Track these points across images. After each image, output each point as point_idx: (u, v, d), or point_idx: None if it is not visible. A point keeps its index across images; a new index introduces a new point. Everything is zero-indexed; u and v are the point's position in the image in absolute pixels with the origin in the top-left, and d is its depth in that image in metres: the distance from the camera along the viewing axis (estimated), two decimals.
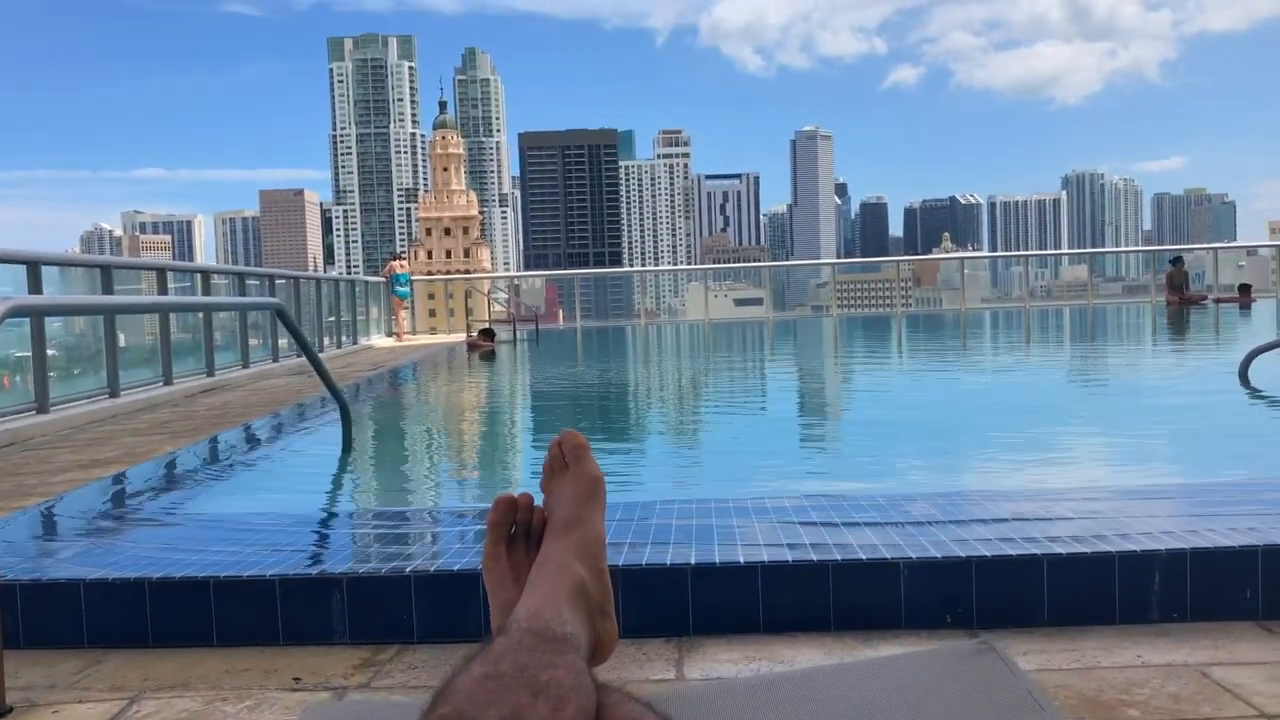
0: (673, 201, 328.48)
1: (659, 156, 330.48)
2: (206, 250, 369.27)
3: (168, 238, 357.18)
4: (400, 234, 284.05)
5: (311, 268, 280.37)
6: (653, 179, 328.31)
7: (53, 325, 7.63)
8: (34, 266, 7.17)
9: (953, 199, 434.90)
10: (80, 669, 2.32)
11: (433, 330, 23.35)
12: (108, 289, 8.29)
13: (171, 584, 2.51)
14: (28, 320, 6.41)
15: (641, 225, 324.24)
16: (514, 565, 1.22)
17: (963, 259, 26.67)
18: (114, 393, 8.03)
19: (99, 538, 3.23)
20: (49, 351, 7.32)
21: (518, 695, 0.83)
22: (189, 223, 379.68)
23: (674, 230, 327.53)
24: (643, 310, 27.71)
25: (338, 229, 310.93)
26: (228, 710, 2.06)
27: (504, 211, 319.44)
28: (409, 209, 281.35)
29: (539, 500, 1.25)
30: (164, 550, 2.94)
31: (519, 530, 1.25)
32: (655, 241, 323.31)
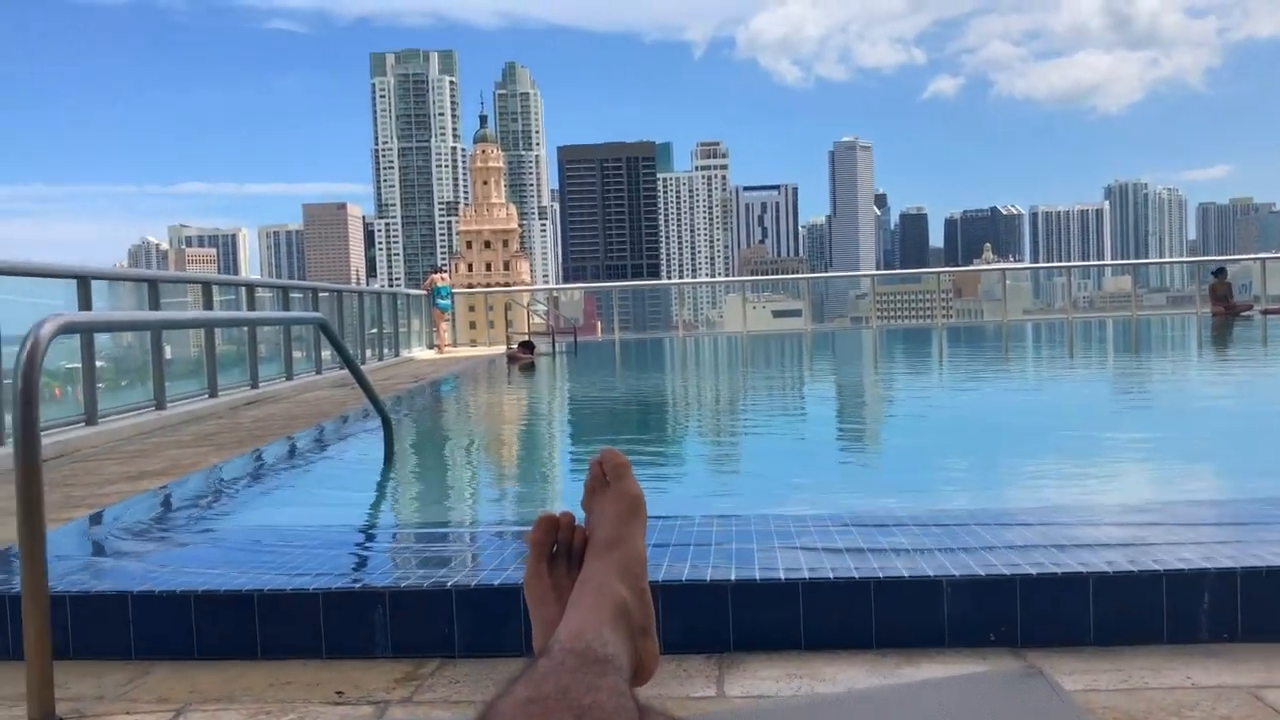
0: (711, 213, 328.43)
1: (697, 168, 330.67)
2: (251, 263, 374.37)
3: (213, 251, 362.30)
4: (441, 247, 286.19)
5: (354, 280, 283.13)
6: (691, 191, 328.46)
7: (101, 338, 7.75)
8: (84, 281, 7.30)
9: (994, 209, 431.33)
10: (128, 680, 2.35)
11: (473, 342, 23.49)
12: (155, 303, 8.42)
13: (216, 597, 2.54)
14: (77, 334, 6.53)
15: (680, 237, 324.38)
16: (556, 584, 1.22)
17: (1004, 270, 26.42)
18: (160, 405, 8.15)
19: (146, 550, 3.27)
20: (97, 363, 7.45)
21: (560, 718, 0.83)
22: (234, 236, 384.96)
23: (712, 242, 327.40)
24: (681, 322, 27.72)
25: (380, 242, 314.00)
26: None
27: (543, 224, 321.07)
28: (449, 222, 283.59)
29: (580, 518, 1.26)
30: (209, 563, 2.98)
31: (560, 549, 1.25)
32: (693, 253, 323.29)
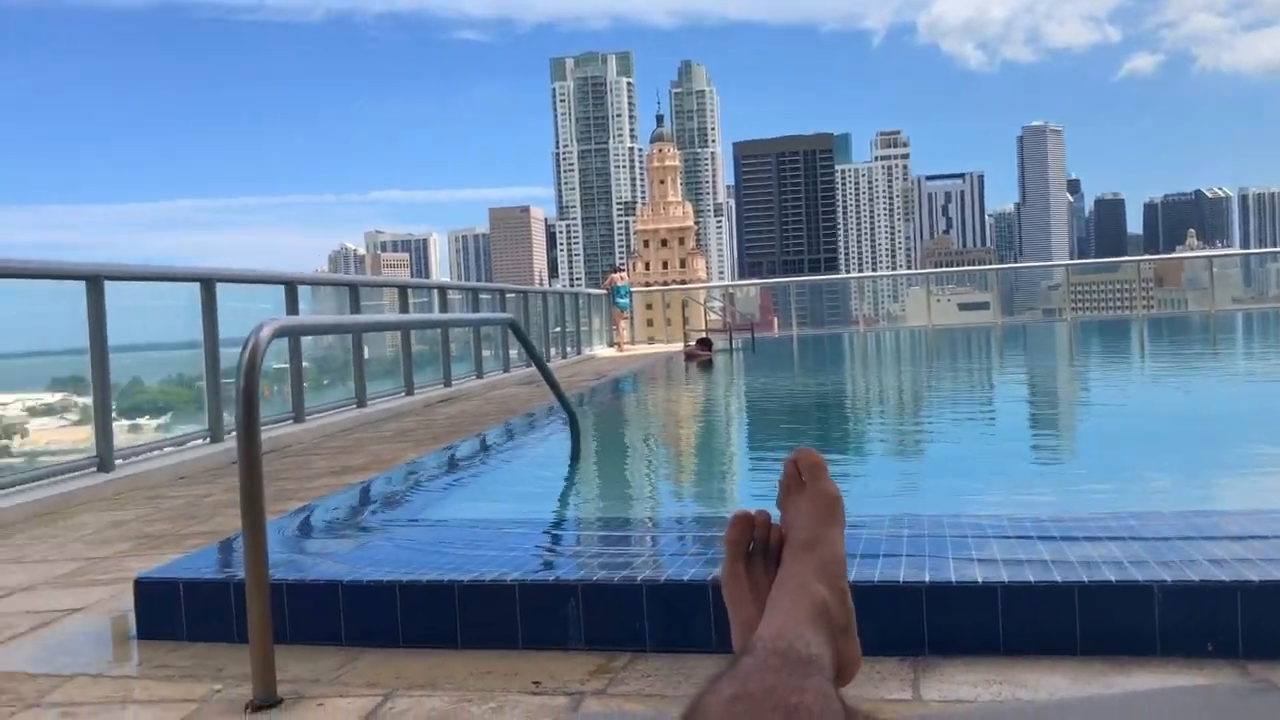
0: (891, 204, 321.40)
1: (877, 159, 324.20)
2: (441, 266, 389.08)
3: (406, 255, 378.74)
4: (619, 246, 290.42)
5: (537, 281, 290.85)
6: (870, 182, 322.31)
7: (305, 340, 8.23)
8: (291, 286, 7.77)
9: (1198, 192, 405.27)
10: (339, 665, 2.49)
11: (650, 340, 23.72)
12: (355, 306, 8.87)
13: (419, 587, 2.65)
14: (288, 337, 6.95)
15: (859, 230, 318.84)
16: (753, 583, 1.21)
17: (1211, 257, 24.80)
18: (361, 403, 8.58)
19: (352, 541, 3.45)
20: (303, 364, 7.91)
21: (769, 717, 0.83)
22: (425, 241, 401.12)
23: (893, 234, 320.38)
24: (861, 317, 27.22)
25: (561, 243, 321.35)
26: (473, 711, 2.15)
27: (719, 221, 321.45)
28: (627, 221, 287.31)
29: (775, 518, 1.25)
30: (410, 553, 3.11)
31: (757, 548, 1.25)
32: (873, 246, 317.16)
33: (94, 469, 5.42)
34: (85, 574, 3.57)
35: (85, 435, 6.14)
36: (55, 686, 2.44)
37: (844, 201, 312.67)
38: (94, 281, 5.50)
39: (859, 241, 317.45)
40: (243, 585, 2.36)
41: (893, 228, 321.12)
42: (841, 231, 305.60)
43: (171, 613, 2.79)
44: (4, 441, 9.44)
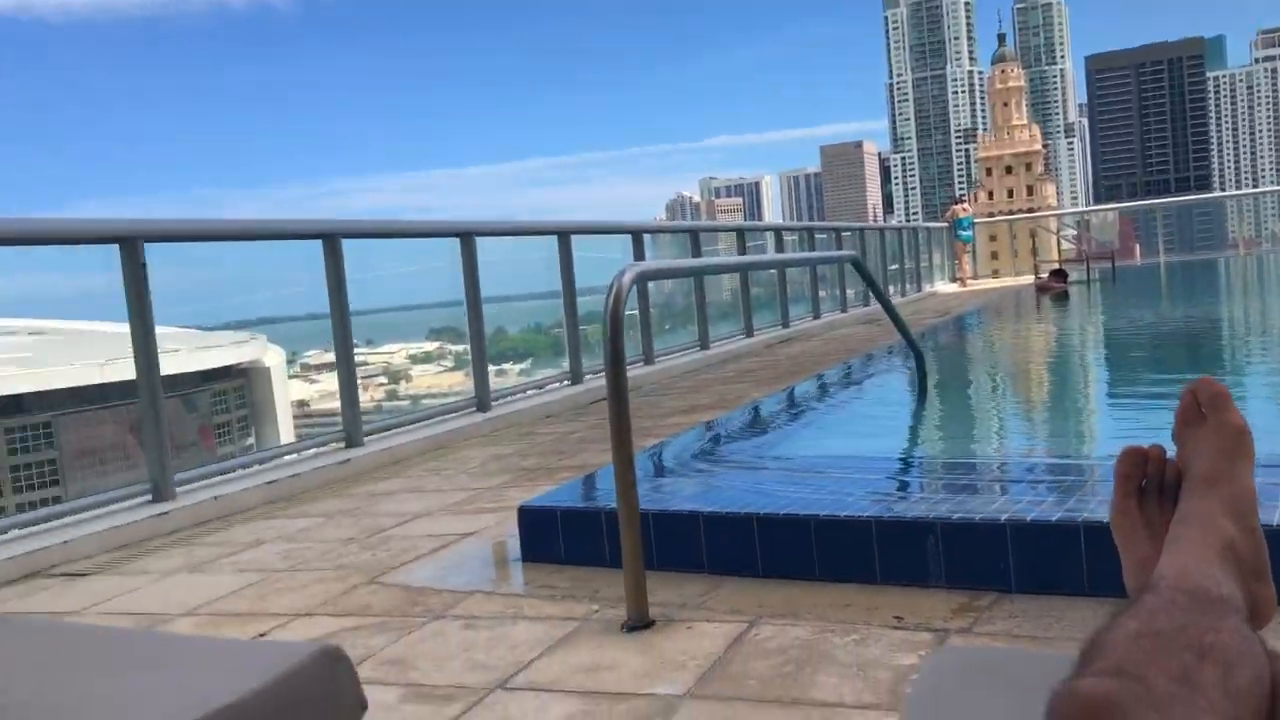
0: (1276, 112, 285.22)
1: (1257, 61, 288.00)
2: (773, 208, 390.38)
3: (739, 200, 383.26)
4: (959, 176, 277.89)
5: (871, 218, 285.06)
6: (1249, 88, 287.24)
7: (650, 286, 8.56)
8: (637, 235, 8.09)
9: None
10: (703, 592, 2.60)
11: (995, 273, 22.59)
12: (696, 251, 9.11)
13: (776, 520, 2.71)
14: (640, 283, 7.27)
15: (1235, 143, 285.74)
16: (1147, 521, 1.15)
17: None
18: (704, 345, 8.83)
19: (707, 475, 3.58)
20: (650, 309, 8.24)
21: (1181, 655, 0.79)
22: (757, 184, 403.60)
23: (1277, 146, 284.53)
24: (1240, 240, 24.55)
25: (895, 177, 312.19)
26: (836, 641, 2.19)
27: (1070, 142, 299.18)
28: (967, 150, 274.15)
29: (1168, 453, 1.17)
30: (764, 488, 3.19)
31: (1151, 484, 1.17)
32: (1254, 160, 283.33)
33: (474, 409, 5.96)
34: (473, 503, 3.95)
35: (458, 380, 6.76)
36: (457, 601, 2.74)
37: (1217, 112, 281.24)
38: (466, 239, 6.00)
39: (1236, 156, 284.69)
40: (613, 514, 2.52)
41: (1277, 139, 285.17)
42: (1215, 146, 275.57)
43: (550, 538, 3.03)
44: (393, 386, 10.62)
